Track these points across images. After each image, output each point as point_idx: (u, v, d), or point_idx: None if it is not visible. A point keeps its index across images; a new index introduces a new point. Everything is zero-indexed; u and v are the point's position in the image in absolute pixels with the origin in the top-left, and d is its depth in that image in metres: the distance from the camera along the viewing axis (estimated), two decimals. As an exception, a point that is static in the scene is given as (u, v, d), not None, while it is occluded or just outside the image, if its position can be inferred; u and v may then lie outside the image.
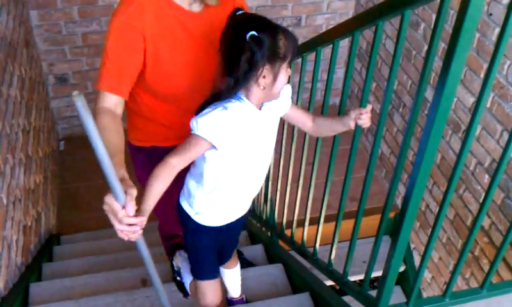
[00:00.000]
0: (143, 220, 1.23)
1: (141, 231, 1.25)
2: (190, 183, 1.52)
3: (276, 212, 2.64)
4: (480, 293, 1.60)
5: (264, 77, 1.28)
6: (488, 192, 1.40)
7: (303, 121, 1.60)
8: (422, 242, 3.58)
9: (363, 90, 1.49)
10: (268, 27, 1.26)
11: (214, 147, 1.32)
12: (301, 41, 1.46)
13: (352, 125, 1.51)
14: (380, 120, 1.46)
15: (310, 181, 1.99)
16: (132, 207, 1.19)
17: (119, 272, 2.55)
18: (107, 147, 1.22)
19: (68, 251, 3.11)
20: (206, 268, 1.72)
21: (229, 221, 1.60)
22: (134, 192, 1.21)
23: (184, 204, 1.57)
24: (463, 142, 1.27)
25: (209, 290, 1.73)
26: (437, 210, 3.25)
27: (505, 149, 1.32)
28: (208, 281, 1.72)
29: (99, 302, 2.19)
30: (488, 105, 2.69)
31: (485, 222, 2.83)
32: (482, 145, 2.78)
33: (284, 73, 1.30)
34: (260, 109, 1.38)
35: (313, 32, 4.10)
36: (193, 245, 1.66)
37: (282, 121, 2.22)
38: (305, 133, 2.02)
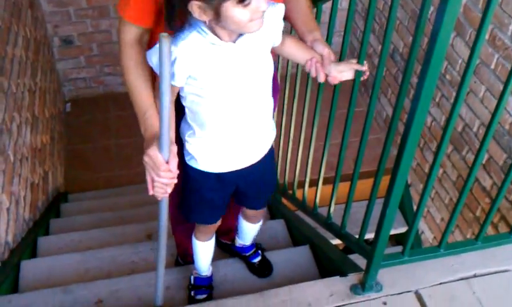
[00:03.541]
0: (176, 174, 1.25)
1: (170, 190, 1.27)
2: (181, 125, 1.44)
3: (279, 170, 2.66)
4: (475, 244, 1.62)
5: (203, 12, 1.14)
6: (482, 143, 1.41)
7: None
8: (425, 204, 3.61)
9: (359, 50, 1.47)
10: None
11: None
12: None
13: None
14: (376, 81, 1.46)
15: (310, 141, 2.00)
16: (175, 163, 1.21)
17: (125, 227, 2.61)
18: (145, 82, 1.29)
19: (75, 209, 3.18)
20: (197, 216, 1.66)
21: (230, 169, 1.47)
22: (175, 148, 1.24)
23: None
24: (454, 98, 1.27)
25: (200, 227, 1.72)
26: (439, 173, 3.27)
27: (497, 105, 1.33)
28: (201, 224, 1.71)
29: (105, 254, 2.25)
30: (492, 66, 2.68)
31: (486, 182, 2.85)
32: (486, 106, 2.78)
33: (235, 10, 1.13)
34: (234, 41, 1.24)
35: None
36: (188, 192, 1.57)
37: (283, 81, 2.21)
38: (305, 93, 2.00)
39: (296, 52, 1.45)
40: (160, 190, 1.27)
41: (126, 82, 1.35)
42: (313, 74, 1.41)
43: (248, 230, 1.93)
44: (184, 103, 1.36)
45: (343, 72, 1.41)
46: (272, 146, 1.58)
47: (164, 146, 1.17)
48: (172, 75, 1.21)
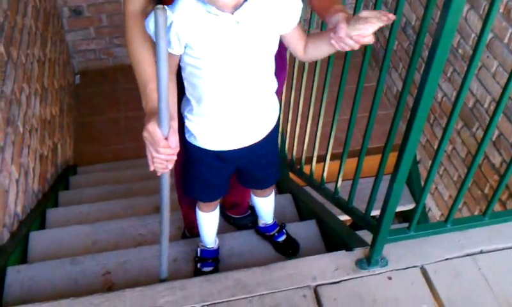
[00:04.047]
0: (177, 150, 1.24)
1: (171, 166, 1.26)
2: (182, 101, 1.43)
3: (287, 146, 2.66)
4: (482, 220, 1.61)
5: None
6: (491, 119, 1.39)
7: (294, 47, 1.34)
8: (433, 179, 3.60)
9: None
10: None
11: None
12: None
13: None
14: (385, 55, 1.44)
15: (319, 116, 1.99)
16: (174, 139, 1.20)
17: (133, 199, 2.62)
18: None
19: (83, 181, 3.21)
20: (195, 193, 1.67)
21: (229, 148, 1.46)
22: (175, 124, 1.22)
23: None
24: (465, 73, 1.25)
25: (203, 205, 1.73)
26: (449, 149, 3.25)
27: (508, 79, 1.30)
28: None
29: (113, 226, 2.27)
30: (506, 40, 2.63)
31: (496, 159, 2.83)
32: (498, 82, 2.74)
33: None
34: (232, 13, 1.19)
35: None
36: (188, 167, 1.57)
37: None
38: (315, 68, 1.97)
39: (319, 44, 1.30)
40: (160, 166, 1.26)
41: (129, 55, 1.33)
42: (345, 48, 1.22)
43: (262, 205, 1.91)
44: (183, 75, 1.34)
45: (360, 30, 1.16)
46: (276, 127, 1.55)
47: (163, 121, 1.15)
48: (168, 42, 1.19)
